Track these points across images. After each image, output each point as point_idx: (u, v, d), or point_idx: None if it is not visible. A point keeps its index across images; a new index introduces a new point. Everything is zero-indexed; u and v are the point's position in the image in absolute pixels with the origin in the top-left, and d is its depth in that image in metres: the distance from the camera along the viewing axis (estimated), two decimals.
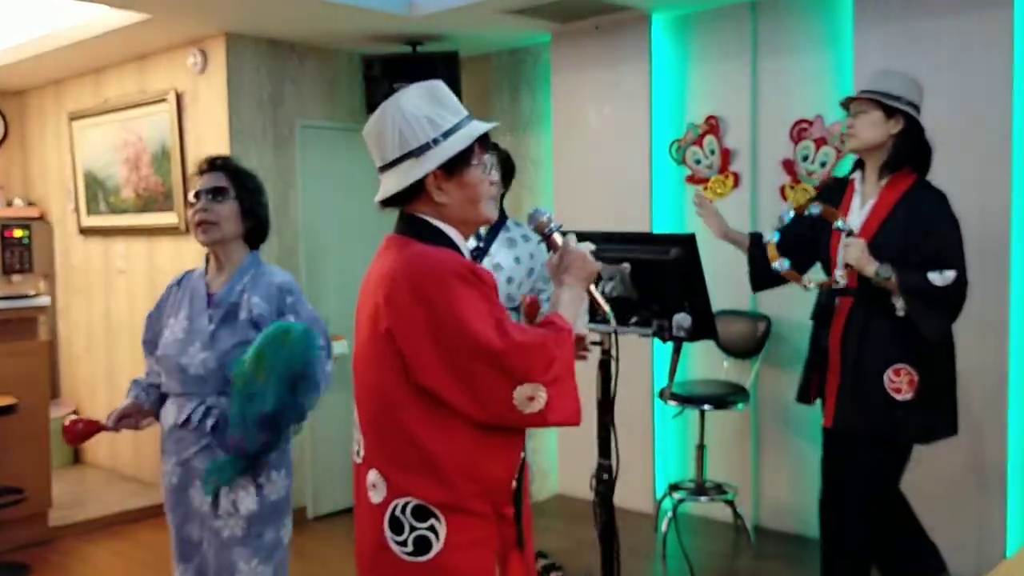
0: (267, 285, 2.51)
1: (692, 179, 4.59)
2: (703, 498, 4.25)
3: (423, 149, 1.73)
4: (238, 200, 2.52)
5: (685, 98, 4.66)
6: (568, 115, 4.97)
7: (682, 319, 2.78)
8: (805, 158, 4.23)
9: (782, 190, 4.32)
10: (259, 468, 2.45)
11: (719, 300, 4.53)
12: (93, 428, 2.52)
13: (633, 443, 4.80)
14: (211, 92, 4.81)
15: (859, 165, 3.17)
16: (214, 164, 2.56)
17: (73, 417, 2.48)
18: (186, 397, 2.46)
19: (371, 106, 4.91)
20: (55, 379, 6.32)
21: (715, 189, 4.48)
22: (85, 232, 5.88)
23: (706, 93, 4.55)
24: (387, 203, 1.82)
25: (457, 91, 4.92)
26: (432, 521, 1.70)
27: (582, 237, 3.04)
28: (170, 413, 2.51)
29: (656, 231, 4.57)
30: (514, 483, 1.79)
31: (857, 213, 3.12)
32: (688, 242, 2.80)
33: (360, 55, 5.07)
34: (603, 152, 4.82)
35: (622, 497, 4.86)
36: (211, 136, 4.83)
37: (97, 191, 5.71)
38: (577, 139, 4.94)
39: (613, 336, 2.99)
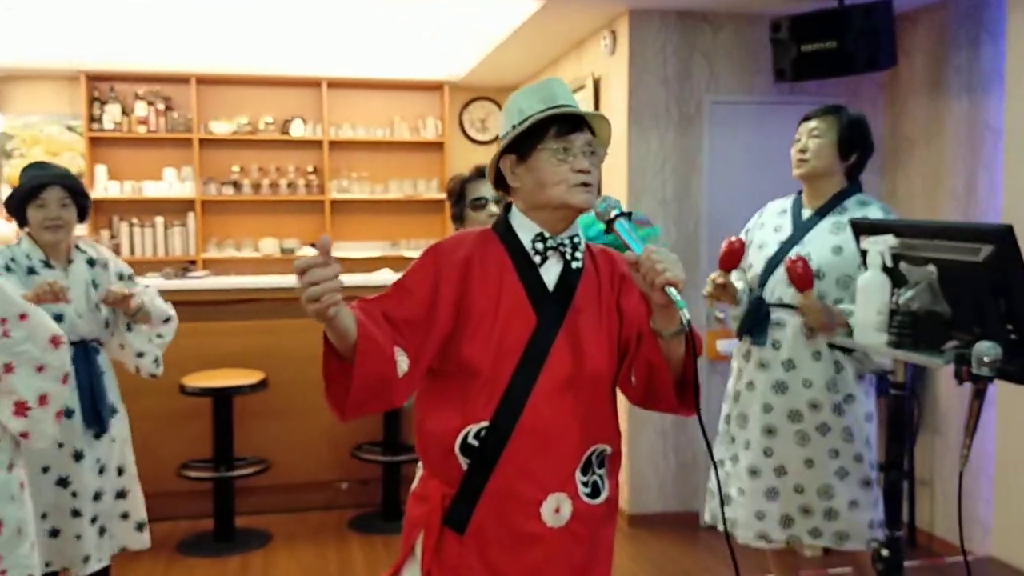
0: None
1: None
2: None
3: (506, 136, 1.80)
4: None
5: None
6: (1022, 68, 3.78)
7: (986, 350, 1.93)
8: None
9: None
10: None
11: None
12: None
13: None
14: (618, 73, 4.72)
15: None
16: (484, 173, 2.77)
17: None
18: None
19: (778, 73, 4.32)
20: None
21: None
22: None
23: None
24: (497, 187, 1.89)
25: (889, 47, 4.11)
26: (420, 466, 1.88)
27: (873, 230, 2.30)
28: None
29: None
30: (462, 460, 1.73)
31: None
32: (1002, 237, 1.92)
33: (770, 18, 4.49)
34: None
35: None
36: (616, 119, 4.74)
37: None
38: None
39: (904, 367, 2.21)
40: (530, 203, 1.79)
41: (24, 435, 2.40)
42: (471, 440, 1.71)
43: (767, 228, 3.10)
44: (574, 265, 1.79)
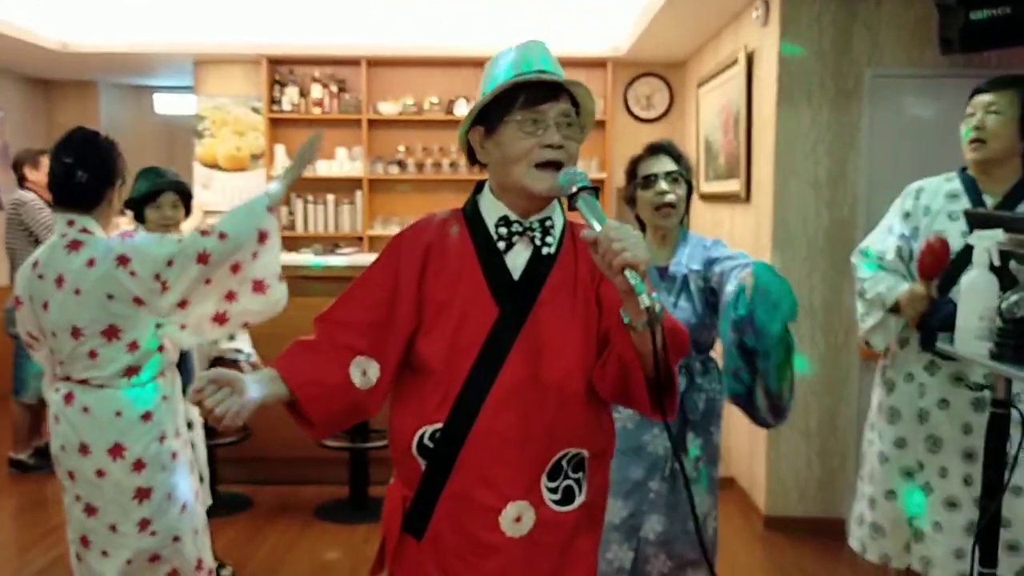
0: (696, 249, 2.62)
1: None
2: None
3: (474, 106, 1.64)
4: (687, 184, 2.67)
5: None
6: None
7: None
8: None
9: None
10: (713, 417, 2.61)
11: None
12: None
13: None
14: (769, 47, 4.41)
15: None
16: (660, 148, 2.69)
17: None
18: None
19: (943, 43, 3.86)
20: None
21: None
22: (704, 198, 5.99)
23: None
24: (472, 163, 1.74)
25: None
26: None
27: (987, 222, 2.00)
28: None
29: None
30: (420, 462, 1.60)
31: None
32: None
33: None
34: None
35: None
36: (766, 95, 4.44)
37: (708, 158, 5.76)
38: None
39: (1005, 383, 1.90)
40: (498, 181, 1.65)
41: (249, 322, 2.70)
42: (427, 441, 1.59)
43: (937, 215, 2.69)
44: (544, 251, 1.62)
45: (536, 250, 1.63)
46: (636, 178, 2.68)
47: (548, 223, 1.64)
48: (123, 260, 2.51)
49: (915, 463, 2.66)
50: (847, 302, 4.30)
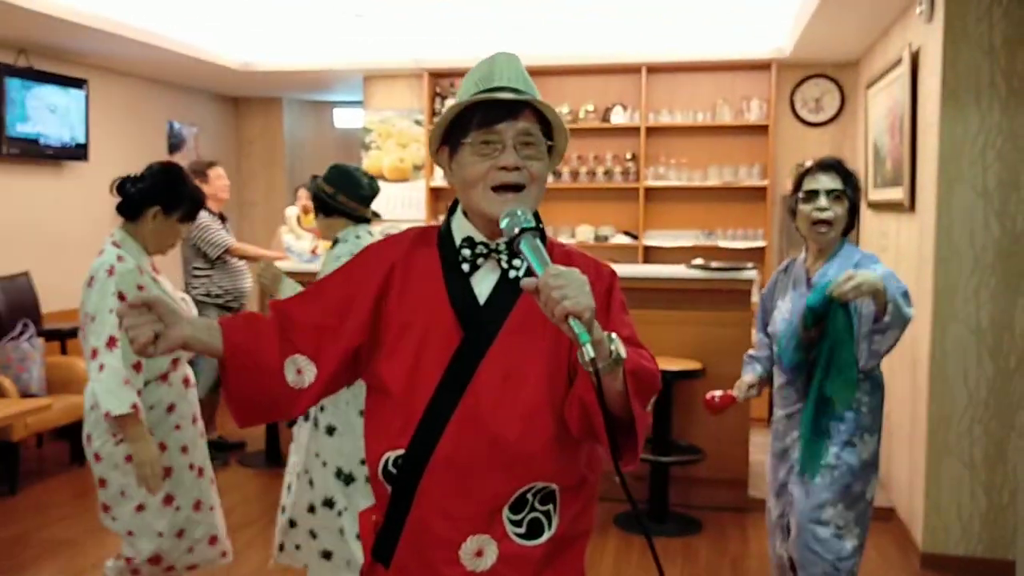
0: (844, 266, 2.65)
1: None
2: None
3: (436, 126, 1.58)
4: (851, 202, 2.73)
5: None
6: None
7: None
8: None
9: None
10: (854, 427, 2.70)
11: None
12: (728, 400, 2.95)
13: None
14: (934, 44, 4.05)
15: None
16: (829, 166, 2.74)
17: (712, 392, 2.97)
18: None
19: None
20: None
21: None
22: (871, 206, 5.60)
23: None
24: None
25: None
26: None
27: None
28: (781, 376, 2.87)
29: None
30: (386, 487, 1.53)
31: None
32: None
33: None
34: None
35: None
36: (931, 96, 4.08)
37: (876, 163, 5.38)
38: None
39: None
40: (463, 203, 1.56)
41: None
42: (390, 467, 1.51)
43: None
44: (511, 274, 1.51)
45: (503, 273, 1.53)
46: (800, 191, 2.74)
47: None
48: (91, 282, 2.69)
49: None
50: (1020, 322, 3.89)
